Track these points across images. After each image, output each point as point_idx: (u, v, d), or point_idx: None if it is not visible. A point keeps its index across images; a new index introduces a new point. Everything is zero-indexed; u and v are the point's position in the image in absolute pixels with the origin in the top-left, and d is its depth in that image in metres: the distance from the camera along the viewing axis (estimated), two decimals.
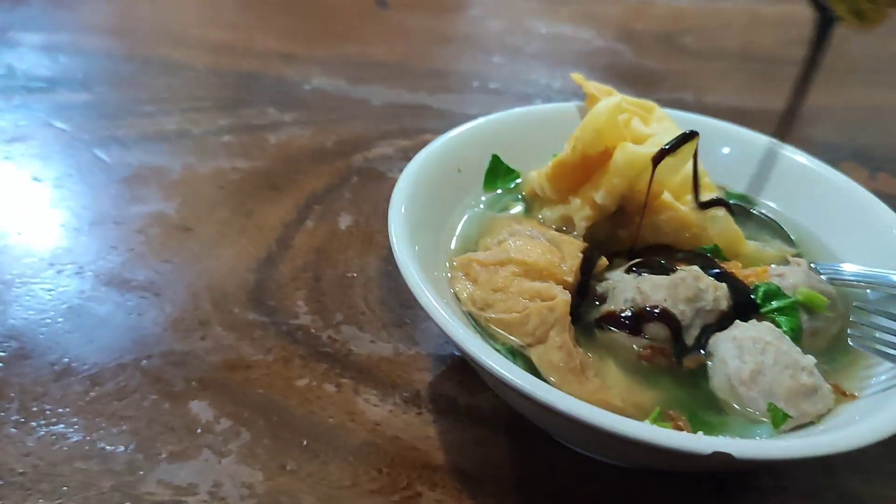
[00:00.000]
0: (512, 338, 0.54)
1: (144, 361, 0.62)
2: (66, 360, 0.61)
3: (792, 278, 0.58)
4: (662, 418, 0.50)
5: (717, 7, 1.37)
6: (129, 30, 1.10)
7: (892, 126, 1.05)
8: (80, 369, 0.61)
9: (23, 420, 0.56)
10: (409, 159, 0.88)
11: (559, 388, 0.50)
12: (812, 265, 0.64)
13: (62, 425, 0.56)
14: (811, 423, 0.51)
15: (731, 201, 0.71)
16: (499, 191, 0.70)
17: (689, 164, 0.63)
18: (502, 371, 0.45)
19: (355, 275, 0.72)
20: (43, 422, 0.56)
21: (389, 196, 0.64)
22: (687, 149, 0.57)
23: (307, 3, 1.25)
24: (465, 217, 0.65)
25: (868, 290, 0.61)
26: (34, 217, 0.75)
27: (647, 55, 1.18)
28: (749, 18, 1.34)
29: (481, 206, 0.67)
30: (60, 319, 0.65)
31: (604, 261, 0.59)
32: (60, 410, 0.57)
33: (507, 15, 1.25)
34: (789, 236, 0.67)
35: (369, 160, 0.87)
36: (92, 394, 0.59)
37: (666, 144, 0.57)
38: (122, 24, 1.11)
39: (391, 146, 0.90)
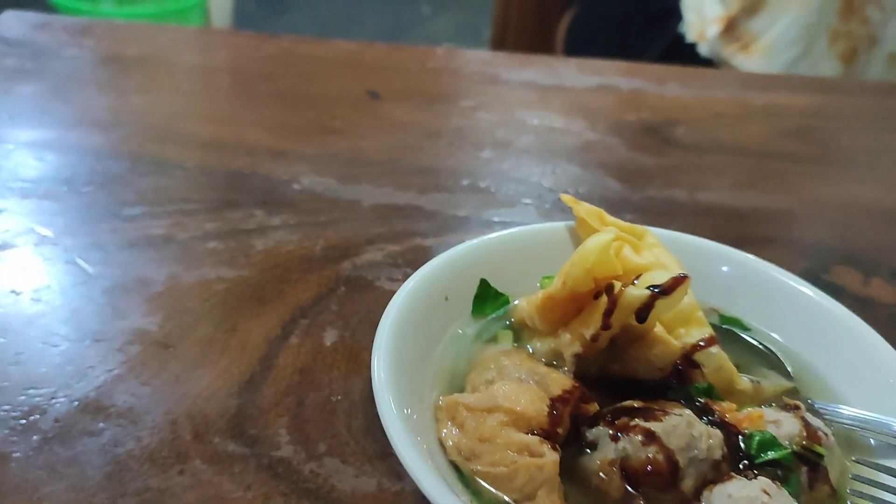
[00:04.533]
0: (499, 493, 0.52)
1: (118, 501, 0.59)
2: (32, 503, 0.59)
3: (787, 426, 0.56)
4: None
5: (707, 96, 1.37)
6: (119, 124, 1.09)
7: (884, 228, 1.05)
8: None
9: None
10: (398, 266, 0.87)
11: None
12: (809, 401, 0.62)
13: None
14: None
15: (724, 326, 0.70)
16: (489, 317, 0.68)
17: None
18: None
19: (339, 398, 0.70)
20: None
21: (376, 307, 0.63)
22: (679, 292, 0.56)
23: (300, 94, 1.25)
24: (453, 349, 0.64)
25: (871, 439, 0.59)
26: (8, 337, 0.73)
27: (640, 149, 1.18)
28: (740, 109, 1.35)
29: (469, 334, 0.66)
30: (31, 453, 0.62)
31: (594, 406, 0.57)
32: None
33: (499, 106, 1.25)
34: (787, 369, 0.66)
35: (358, 267, 0.86)
36: None
37: (656, 287, 0.56)
38: (112, 118, 1.11)
39: (381, 252, 0.89)
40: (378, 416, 0.55)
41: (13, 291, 0.78)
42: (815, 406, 0.62)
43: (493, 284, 0.69)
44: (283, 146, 1.08)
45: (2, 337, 0.73)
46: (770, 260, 0.75)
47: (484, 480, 0.52)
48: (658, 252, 0.68)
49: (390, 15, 4.82)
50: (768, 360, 0.67)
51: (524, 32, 2.60)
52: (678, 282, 0.56)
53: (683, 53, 1.93)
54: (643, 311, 0.57)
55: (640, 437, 0.54)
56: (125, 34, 1.42)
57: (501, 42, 2.65)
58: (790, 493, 0.53)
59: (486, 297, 0.68)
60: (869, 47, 1.78)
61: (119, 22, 1.52)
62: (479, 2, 4.24)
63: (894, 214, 1.09)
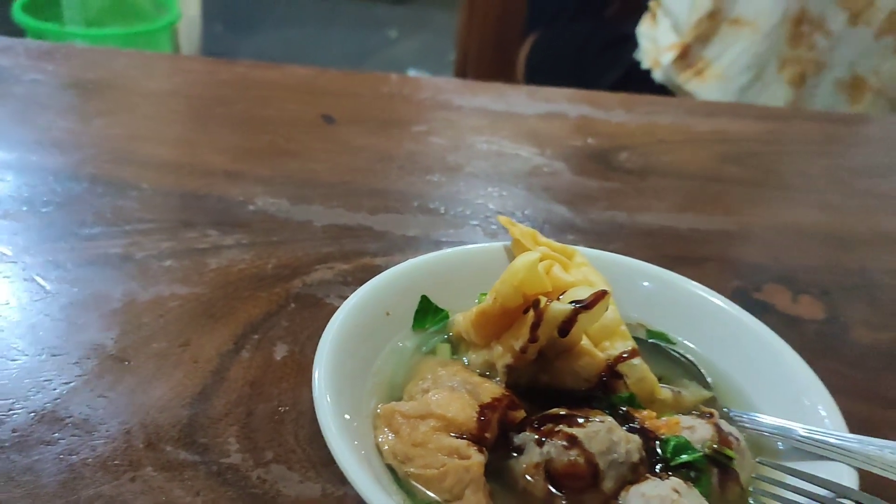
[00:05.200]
0: (430, 493, 0.56)
1: None
2: None
3: (701, 432, 0.60)
4: None
5: (652, 122, 1.43)
6: (79, 147, 1.12)
7: (814, 248, 1.11)
8: None
9: None
10: (347, 284, 0.90)
11: None
12: (725, 409, 0.67)
13: None
14: None
15: (650, 340, 0.75)
16: (429, 330, 0.72)
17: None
18: None
19: (287, 409, 0.73)
20: None
21: (325, 323, 0.67)
22: (600, 306, 0.61)
23: (255, 118, 1.28)
24: (393, 361, 0.68)
25: (779, 443, 0.63)
26: None
27: (584, 173, 1.23)
28: (682, 134, 1.40)
29: (409, 347, 0.70)
30: None
31: (521, 413, 0.61)
32: None
33: (450, 132, 1.30)
34: (706, 379, 0.70)
35: (308, 285, 0.89)
36: None
37: (579, 302, 0.60)
38: (72, 140, 1.13)
39: (331, 270, 0.92)
40: None
41: None
42: (731, 414, 0.66)
43: (433, 300, 0.73)
44: (238, 168, 1.11)
45: None
46: (704, 279, 0.79)
47: (417, 482, 0.56)
48: (586, 270, 0.73)
49: (356, 39, 4.87)
50: (689, 371, 0.71)
51: (485, 58, 2.65)
52: (599, 297, 0.61)
53: (639, 80, 1.99)
54: (567, 325, 0.61)
55: (563, 442, 0.58)
56: (86, 59, 1.45)
57: (464, 67, 2.70)
58: (701, 493, 0.57)
59: (427, 312, 0.72)
60: (816, 72, 1.86)
61: (80, 46, 1.54)
62: (445, 26, 4.31)
63: (826, 235, 1.15)
